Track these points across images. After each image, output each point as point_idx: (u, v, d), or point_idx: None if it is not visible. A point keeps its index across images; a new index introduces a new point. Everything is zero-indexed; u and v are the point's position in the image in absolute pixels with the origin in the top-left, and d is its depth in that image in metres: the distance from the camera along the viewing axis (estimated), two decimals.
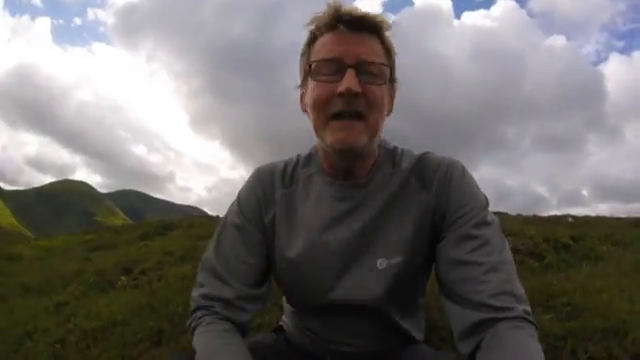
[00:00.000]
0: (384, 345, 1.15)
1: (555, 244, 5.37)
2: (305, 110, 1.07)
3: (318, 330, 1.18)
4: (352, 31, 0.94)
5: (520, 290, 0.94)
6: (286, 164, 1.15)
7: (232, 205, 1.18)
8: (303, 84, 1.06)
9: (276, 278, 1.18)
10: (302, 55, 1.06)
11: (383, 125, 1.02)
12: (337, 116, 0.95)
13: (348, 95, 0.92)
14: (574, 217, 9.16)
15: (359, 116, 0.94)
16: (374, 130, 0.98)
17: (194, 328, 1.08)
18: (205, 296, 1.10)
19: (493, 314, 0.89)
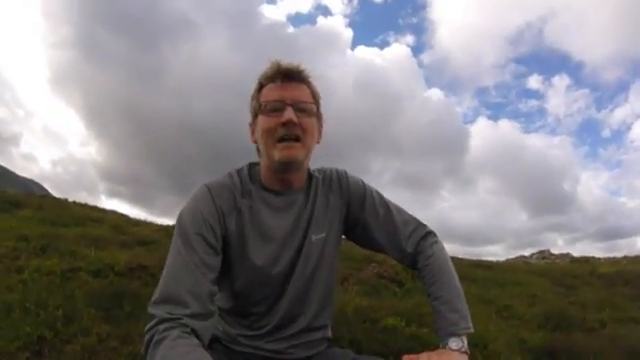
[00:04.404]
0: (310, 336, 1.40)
1: (412, 273, 6.06)
2: (254, 141, 1.36)
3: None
4: (288, 81, 1.30)
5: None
6: (236, 178, 1.34)
7: (185, 219, 1.23)
8: (253, 121, 1.35)
9: (231, 278, 1.32)
10: (252, 99, 1.35)
11: (314, 147, 1.35)
12: (282, 139, 1.25)
13: (289, 124, 1.24)
14: None
15: (297, 139, 1.26)
16: (308, 150, 1.31)
17: (157, 342, 1.04)
18: (171, 310, 1.09)
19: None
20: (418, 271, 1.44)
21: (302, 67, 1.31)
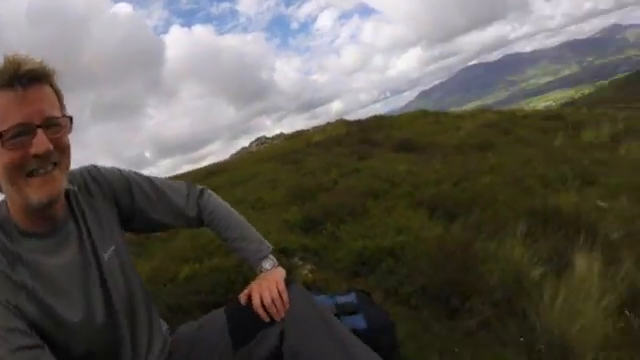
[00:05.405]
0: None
1: None
2: None
3: None
4: (30, 87, 1.01)
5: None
6: None
7: None
8: None
9: (63, 352, 1.14)
10: None
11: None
12: (34, 172, 1.03)
13: (44, 155, 1.02)
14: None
15: (54, 164, 1.06)
16: (67, 170, 1.13)
17: None
18: None
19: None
20: (207, 226, 1.52)
21: (43, 62, 1.04)
